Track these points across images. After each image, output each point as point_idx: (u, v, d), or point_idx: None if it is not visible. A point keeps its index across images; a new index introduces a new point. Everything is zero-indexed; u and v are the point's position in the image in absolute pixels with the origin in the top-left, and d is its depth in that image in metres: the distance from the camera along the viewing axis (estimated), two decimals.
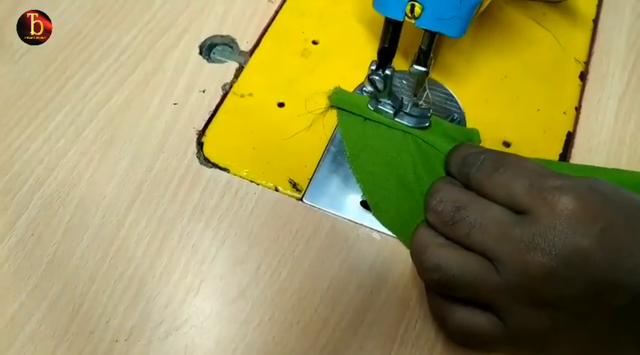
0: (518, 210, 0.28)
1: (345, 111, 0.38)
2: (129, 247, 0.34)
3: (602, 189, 0.28)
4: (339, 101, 0.38)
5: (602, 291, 0.26)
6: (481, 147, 0.34)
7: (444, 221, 0.29)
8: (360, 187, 0.36)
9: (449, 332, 0.30)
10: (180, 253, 0.34)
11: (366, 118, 0.38)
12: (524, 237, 0.27)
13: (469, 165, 0.31)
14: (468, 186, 0.31)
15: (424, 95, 0.38)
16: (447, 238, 0.29)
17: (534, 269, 0.26)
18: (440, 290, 0.29)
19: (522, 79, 0.41)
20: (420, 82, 0.34)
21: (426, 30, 0.31)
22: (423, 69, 0.33)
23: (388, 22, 0.32)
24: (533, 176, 0.28)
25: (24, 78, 0.40)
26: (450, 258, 0.28)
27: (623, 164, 0.38)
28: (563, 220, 0.26)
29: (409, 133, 0.37)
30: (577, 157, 0.38)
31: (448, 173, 0.33)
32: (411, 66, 0.33)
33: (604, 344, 0.27)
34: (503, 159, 0.30)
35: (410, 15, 0.30)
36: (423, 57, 0.33)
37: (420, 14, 0.30)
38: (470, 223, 0.28)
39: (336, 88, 0.39)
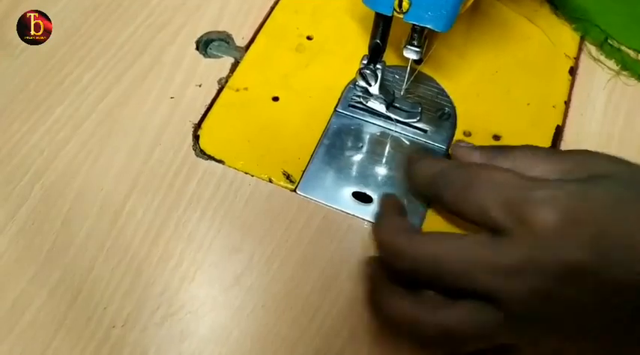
0: (496, 232, 0.26)
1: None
2: (126, 236, 0.35)
3: (588, 188, 0.26)
4: None
5: (610, 297, 0.24)
6: (443, 159, 0.30)
7: (425, 281, 0.27)
8: None
9: None
10: (176, 242, 0.34)
11: None
12: (511, 263, 0.25)
13: (439, 187, 0.30)
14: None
15: (409, 82, 0.38)
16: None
17: (531, 296, 0.25)
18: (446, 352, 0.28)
19: (513, 73, 0.42)
20: (412, 70, 0.35)
21: (414, 24, 0.32)
22: (416, 49, 0.34)
23: (378, 17, 0.33)
24: (507, 190, 0.26)
25: (24, 73, 0.41)
26: (448, 321, 0.26)
27: None
28: (547, 237, 0.24)
29: None
30: None
31: (415, 190, 0.32)
32: (404, 47, 0.34)
33: (622, 345, 0.26)
34: (472, 174, 0.28)
35: (398, 10, 0.31)
36: (416, 39, 0.33)
37: (408, 9, 0.30)
38: (454, 273, 0.26)
39: None
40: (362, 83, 0.37)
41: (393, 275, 0.28)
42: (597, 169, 0.27)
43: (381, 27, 0.34)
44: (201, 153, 0.38)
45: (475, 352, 0.27)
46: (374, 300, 0.29)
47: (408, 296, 0.27)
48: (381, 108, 0.39)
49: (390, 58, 0.38)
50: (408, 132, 0.39)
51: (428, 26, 0.31)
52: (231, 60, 0.42)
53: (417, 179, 0.32)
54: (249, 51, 0.43)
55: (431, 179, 0.31)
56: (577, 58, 0.43)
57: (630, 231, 0.24)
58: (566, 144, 0.39)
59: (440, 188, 0.30)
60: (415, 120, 0.39)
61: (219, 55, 0.43)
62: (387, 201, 0.33)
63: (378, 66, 0.35)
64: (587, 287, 0.24)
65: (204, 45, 0.43)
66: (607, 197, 0.25)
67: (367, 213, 0.36)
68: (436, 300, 0.27)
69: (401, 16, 0.31)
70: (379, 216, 0.31)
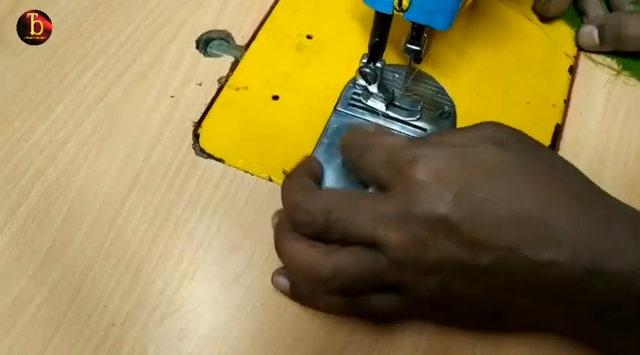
0: (383, 189, 0.29)
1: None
2: (126, 235, 0.35)
3: (468, 150, 0.28)
4: None
5: (475, 251, 0.26)
6: (364, 129, 0.33)
7: (318, 230, 0.29)
8: None
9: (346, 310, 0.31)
10: (176, 240, 0.35)
11: None
12: (391, 213, 0.27)
13: (349, 149, 0.32)
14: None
15: (409, 80, 0.38)
16: (328, 243, 0.29)
17: (409, 242, 0.27)
18: (339, 293, 0.30)
19: (513, 72, 0.42)
20: (412, 69, 0.35)
21: (414, 23, 0.32)
22: (416, 48, 0.34)
23: (378, 15, 0.33)
24: (391, 151, 0.29)
25: (25, 72, 0.41)
26: (341, 262, 0.28)
27: (611, 155, 0.39)
28: (419, 191, 0.27)
29: None
30: (565, 149, 0.39)
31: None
32: (404, 45, 0.34)
33: (496, 300, 0.28)
34: (369, 139, 0.31)
35: (398, 8, 0.31)
36: (416, 37, 0.34)
37: (408, 7, 0.30)
38: (343, 222, 0.28)
39: None
40: (362, 82, 0.37)
41: (295, 228, 0.30)
42: (486, 134, 0.29)
43: (381, 26, 0.34)
44: (201, 152, 0.38)
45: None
46: (277, 245, 0.31)
47: (305, 241, 0.30)
48: (380, 106, 0.39)
49: (389, 56, 0.38)
50: (407, 130, 0.39)
51: (428, 25, 0.31)
52: (231, 59, 0.42)
53: (340, 146, 0.34)
54: (249, 50, 0.43)
55: (343, 144, 0.33)
56: (577, 57, 0.43)
57: (496, 196, 0.27)
58: (565, 143, 0.39)
59: (346, 152, 0.32)
60: (415, 118, 0.39)
61: (220, 53, 0.43)
62: (303, 161, 0.34)
63: (378, 64, 0.35)
64: (453, 240, 0.26)
65: (205, 44, 0.43)
66: (484, 159, 0.28)
67: None
68: (330, 246, 0.29)
69: (401, 14, 0.31)
70: (289, 174, 0.33)
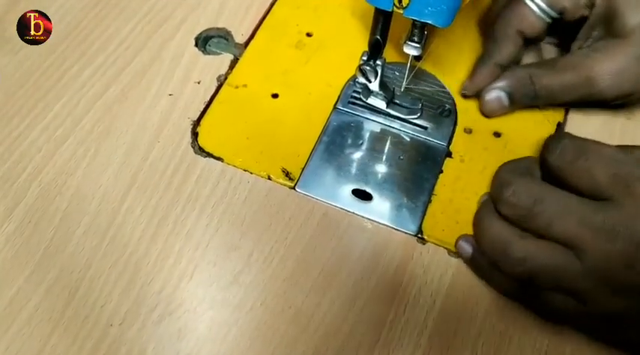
0: (599, 198, 0.29)
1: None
2: (124, 234, 0.34)
3: None
4: None
5: None
6: (563, 133, 0.33)
7: (521, 214, 0.30)
8: None
9: (540, 312, 0.32)
10: (175, 240, 0.34)
11: None
12: (606, 224, 0.27)
13: (549, 151, 0.32)
14: (543, 170, 0.32)
15: (409, 78, 0.38)
16: (523, 229, 0.30)
17: (615, 256, 0.27)
18: (521, 281, 0.30)
19: None
20: (412, 66, 0.35)
21: (414, 20, 0.32)
22: (416, 45, 0.34)
23: (378, 13, 0.33)
24: (618, 165, 0.29)
25: (23, 69, 0.41)
26: (535, 251, 0.29)
27: None
28: None
29: None
30: None
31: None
32: (405, 42, 0.34)
33: None
34: (585, 147, 0.31)
35: (398, 5, 0.30)
36: (416, 34, 0.33)
37: (408, 4, 0.30)
38: (549, 215, 0.29)
39: None
40: (362, 80, 0.36)
41: (498, 206, 0.31)
42: None
43: (381, 23, 0.34)
44: (200, 151, 0.38)
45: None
46: (476, 217, 0.33)
47: (504, 221, 0.31)
48: (381, 104, 0.38)
49: (390, 54, 0.38)
50: (408, 129, 0.38)
51: (428, 22, 0.31)
52: (231, 57, 0.42)
53: (546, 144, 0.33)
54: (248, 47, 0.42)
55: (544, 144, 0.33)
56: None
57: None
58: None
59: (550, 153, 0.31)
60: (415, 116, 0.38)
61: (219, 51, 0.42)
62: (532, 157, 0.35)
63: (378, 62, 0.35)
64: None
65: (204, 41, 0.43)
66: None
67: (367, 210, 0.35)
68: (528, 233, 0.30)
69: (401, 11, 0.31)
70: (512, 161, 0.34)
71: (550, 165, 0.31)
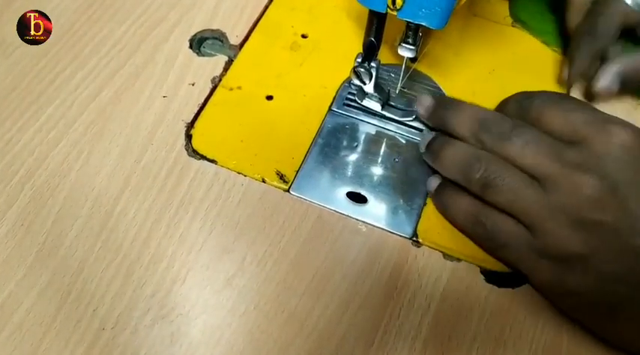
0: (573, 140, 0.29)
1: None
2: (117, 237, 0.34)
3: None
4: None
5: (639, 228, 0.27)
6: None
7: (500, 133, 0.31)
8: None
9: (467, 228, 0.33)
10: (168, 243, 0.34)
11: None
12: (577, 158, 0.28)
13: (527, 98, 0.33)
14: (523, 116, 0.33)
15: (404, 80, 0.38)
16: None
17: (583, 189, 0.27)
18: (477, 189, 0.31)
19: (509, 72, 0.41)
20: (407, 68, 0.35)
21: (408, 22, 0.32)
22: (411, 47, 0.34)
23: (372, 14, 0.33)
24: (595, 112, 0.30)
25: (16, 71, 0.41)
26: (497, 167, 0.30)
27: None
28: (620, 150, 0.28)
29: None
30: None
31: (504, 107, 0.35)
32: (399, 44, 0.34)
33: (627, 282, 0.28)
34: (565, 96, 0.33)
35: (392, 7, 0.30)
36: (411, 36, 0.33)
37: (402, 6, 0.30)
38: (522, 144, 0.30)
39: None
40: (357, 82, 0.36)
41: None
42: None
43: (376, 25, 0.33)
44: (194, 153, 0.37)
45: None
46: (439, 198, 0.34)
47: (468, 195, 0.32)
48: (376, 106, 0.38)
49: (384, 56, 0.37)
50: (403, 131, 0.38)
51: (422, 23, 0.30)
52: (225, 58, 0.42)
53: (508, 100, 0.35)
54: (243, 49, 0.42)
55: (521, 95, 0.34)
56: None
57: None
58: None
59: (529, 100, 0.33)
60: (411, 118, 0.38)
61: (213, 53, 0.42)
62: None
63: (373, 64, 0.35)
64: (628, 205, 0.27)
65: (198, 43, 0.43)
66: None
67: (362, 213, 0.35)
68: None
69: (395, 13, 0.31)
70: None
71: (530, 109, 0.32)
